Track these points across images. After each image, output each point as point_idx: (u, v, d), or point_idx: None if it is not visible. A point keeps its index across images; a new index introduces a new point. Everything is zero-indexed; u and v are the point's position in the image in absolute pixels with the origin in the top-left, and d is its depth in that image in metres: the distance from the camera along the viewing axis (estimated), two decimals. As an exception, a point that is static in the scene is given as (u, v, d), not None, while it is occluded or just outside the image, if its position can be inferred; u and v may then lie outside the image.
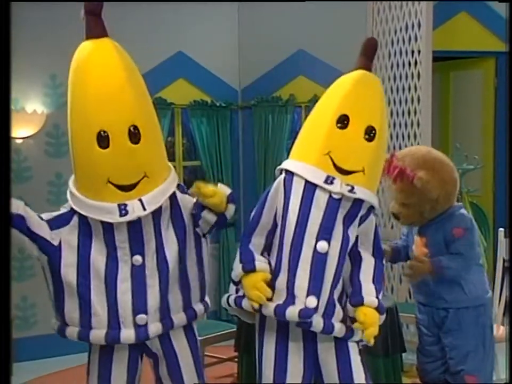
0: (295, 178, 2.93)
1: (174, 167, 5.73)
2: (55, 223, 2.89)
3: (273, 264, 2.91)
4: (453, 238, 3.57)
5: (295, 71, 6.07)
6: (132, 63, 2.85)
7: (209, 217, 3.02)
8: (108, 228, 2.85)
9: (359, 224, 2.96)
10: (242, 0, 6.08)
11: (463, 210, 3.71)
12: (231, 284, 3.04)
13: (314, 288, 2.83)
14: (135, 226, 2.86)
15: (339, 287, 2.95)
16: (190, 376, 3.06)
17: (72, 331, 2.89)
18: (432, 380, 3.83)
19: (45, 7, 5.21)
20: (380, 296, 2.94)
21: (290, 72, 6.08)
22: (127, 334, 2.86)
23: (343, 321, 2.93)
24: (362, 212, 2.93)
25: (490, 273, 4.92)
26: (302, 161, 2.95)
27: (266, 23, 6.15)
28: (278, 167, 3.06)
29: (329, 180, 2.86)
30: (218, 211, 3.01)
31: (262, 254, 2.95)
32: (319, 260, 2.83)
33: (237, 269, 2.93)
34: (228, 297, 3.04)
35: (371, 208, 2.98)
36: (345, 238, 2.89)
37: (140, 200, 2.82)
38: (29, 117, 5.32)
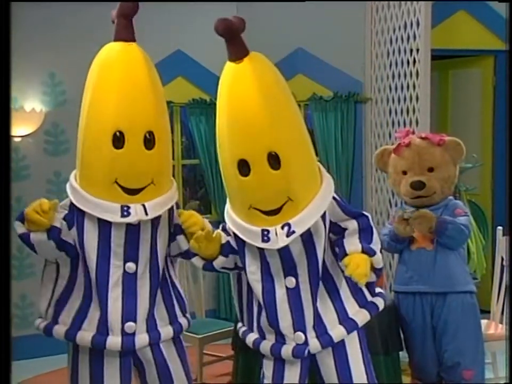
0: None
1: (173, 165, 5.75)
2: (69, 222, 2.89)
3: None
4: (455, 215, 3.70)
5: (293, 70, 6.06)
6: (155, 71, 2.89)
7: (182, 243, 3.02)
8: (105, 229, 2.84)
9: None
10: (242, 0, 6.08)
11: (459, 201, 3.91)
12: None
13: (299, 323, 2.85)
14: (133, 232, 2.87)
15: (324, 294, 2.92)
16: (182, 380, 3.09)
17: (60, 330, 2.89)
18: (429, 377, 3.84)
19: (44, 6, 5.20)
20: (373, 245, 2.85)
21: (289, 71, 6.05)
22: (114, 341, 2.85)
23: (340, 320, 2.91)
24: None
25: (488, 272, 4.93)
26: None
27: (265, 21, 6.14)
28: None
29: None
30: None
31: None
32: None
33: None
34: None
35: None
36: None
37: (143, 206, 2.83)
38: (27, 115, 5.32)
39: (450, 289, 3.71)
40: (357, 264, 2.73)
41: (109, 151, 2.77)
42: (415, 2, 5.35)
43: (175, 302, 3.08)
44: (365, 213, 2.97)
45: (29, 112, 5.34)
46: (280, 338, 2.88)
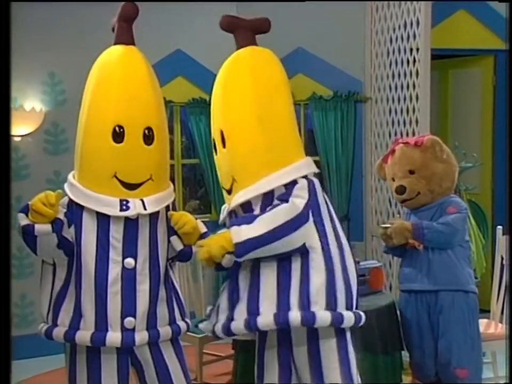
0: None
1: (173, 165, 5.72)
2: (68, 220, 2.90)
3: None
4: (444, 213, 3.70)
5: (293, 69, 6.05)
6: (154, 73, 3.00)
7: (176, 243, 3.03)
8: (104, 224, 2.86)
9: None
10: (241, 0, 6.08)
11: (461, 200, 3.89)
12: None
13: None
14: (131, 227, 2.88)
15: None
16: (182, 381, 3.08)
17: (59, 332, 2.89)
18: (427, 376, 3.86)
19: (43, 6, 5.21)
20: (255, 223, 2.66)
21: (289, 70, 6.02)
22: (114, 337, 2.84)
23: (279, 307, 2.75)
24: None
25: (488, 271, 4.93)
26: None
27: (265, 20, 6.15)
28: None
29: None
30: (187, 242, 3.02)
31: None
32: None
33: None
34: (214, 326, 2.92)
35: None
36: None
37: (142, 201, 2.87)
38: (27, 114, 5.33)
39: (441, 287, 3.72)
40: (204, 242, 2.76)
41: (108, 145, 2.82)
42: (415, 1, 5.35)
43: (175, 304, 3.09)
44: (293, 199, 2.73)
45: (29, 112, 5.34)
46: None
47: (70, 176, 2.99)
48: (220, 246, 2.70)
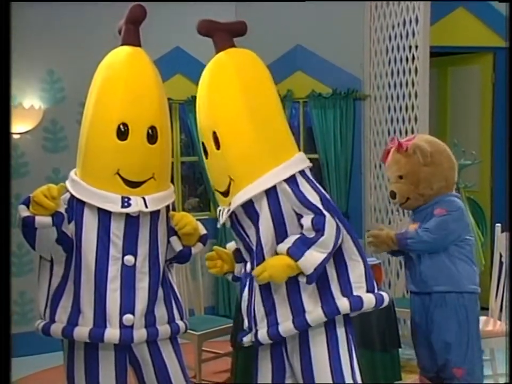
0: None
1: (172, 162, 5.75)
2: (68, 216, 2.90)
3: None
4: (433, 216, 3.67)
5: (292, 67, 6.07)
6: (159, 74, 3.04)
7: (175, 244, 3.06)
8: (105, 220, 2.87)
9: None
10: (240, 0, 6.08)
11: (455, 198, 3.80)
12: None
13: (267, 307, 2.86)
14: (132, 224, 2.90)
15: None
16: (180, 380, 3.09)
17: (57, 328, 2.89)
18: (429, 374, 3.86)
19: (42, 4, 5.20)
20: (313, 249, 2.73)
21: (288, 68, 6.08)
22: (112, 334, 2.85)
23: (293, 315, 2.83)
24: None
25: (487, 268, 4.94)
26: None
27: (263, 18, 6.14)
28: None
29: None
30: (187, 243, 3.06)
31: None
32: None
33: None
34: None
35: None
36: None
37: (143, 198, 2.89)
38: (26, 112, 5.32)
39: (432, 289, 3.70)
40: (264, 267, 2.74)
41: (112, 142, 2.84)
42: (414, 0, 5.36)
43: (173, 304, 3.10)
44: (324, 211, 2.79)
45: (28, 109, 5.34)
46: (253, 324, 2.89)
47: (72, 173, 3.00)
48: (286, 275, 2.77)
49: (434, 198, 3.73)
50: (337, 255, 2.86)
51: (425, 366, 3.89)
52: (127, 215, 2.88)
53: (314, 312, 2.81)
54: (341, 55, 5.94)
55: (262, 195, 2.80)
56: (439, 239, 3.65)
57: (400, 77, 5.60)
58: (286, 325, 2.82)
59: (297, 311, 2.82)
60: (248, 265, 2.92)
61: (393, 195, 3.82)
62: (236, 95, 2.84)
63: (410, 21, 5.40)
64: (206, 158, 2.94)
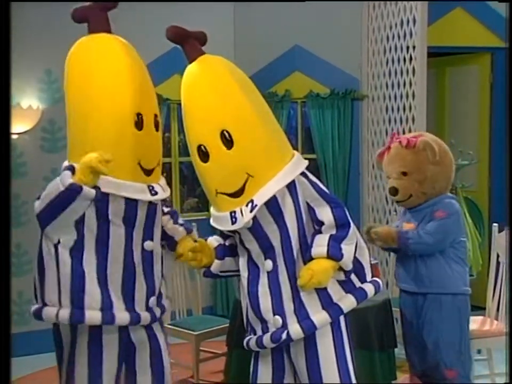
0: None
1: (170, 163, 5.72)
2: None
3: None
4: (433, 218, 3.68)
5: (290, 67, 6.08)
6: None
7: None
8: (131, 210, 2.89)
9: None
10: (239, 0, 6.08)
11: (453, 200, 3.82)
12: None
13: (277, 307, 2.86)
14: (151, 211, 2.98)
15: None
16: (168, 366, 3.14)
17: (94, 315, 2.85)
18: (420, 373, 3.88)
19: (40, 4, 5.20)
20: (344, 243, 2.81)
21: (286, 68, 6.09)
22: (144, 316, 2.94)
23: (323, 305, 2.86)
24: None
25: (485, 268, 4.95)
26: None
27: (262, 18, 6.15)
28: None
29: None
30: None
31: None
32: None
33: None
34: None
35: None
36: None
37: (160, 185, 3.00)
38: (24, 112, 5.32)
39: (428, 290, 3.73)
40: (310, 274, 2.75)
41: (132, 132, 2.87)
42: (411, 0, 5.36)
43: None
44: (339, 201, 2.89)
45: (26, 109, 5.34)
46: (265, 328, 2.89)
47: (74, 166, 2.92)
48: (330, 277, 2.83)
49: (434, 198, 3.74)
50: None
51: (414, 364, 3.91)
52: (149, 202, 2.94)
53: (343, 300, 2.88)
54: (339, 55, 5.95)
55: (284, 189, 2.82)
56: (439, 242, 3.66)
57: (398, 77, 5.61)
58: (318, 317, 2.83)
59: (327, 302, 2.86)
60: (269, 262, 2.86)
61: (394, 192, 3.80)
62: (240, 93, 2.85)
63: (408, 21, 5.42)
64: (205, 161, 2.86)
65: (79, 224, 2.86)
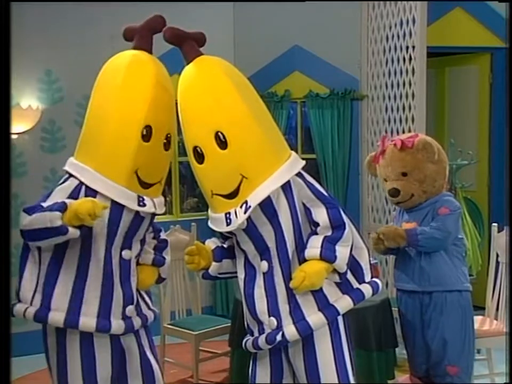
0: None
1: (170, 162, 5.75)
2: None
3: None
4: (437, 215, 3.71)
5: (290, 67, 6.08)
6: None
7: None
8: (116, 214, 2.92)
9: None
10: (239, 0, 6.09)
11: (452, 198, 3.88)
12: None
13: (272, 308, 2.86)
14: (136, 222, 2.98)
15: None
16: (158, 369, 3.17)
17: (57, 316, 2.89)
18: (419, 372, 3.88)
19: (40, 4, 5.21)
20: (339, 245, 2.79)
21: (286, 68, 6.09)
22: (118, 325, 2.95)
23: (319, 306, 2.86)
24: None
25: (484, 268, 4.95)
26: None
27: (261, 18, 6.16)
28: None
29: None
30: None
31: None
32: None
33: None
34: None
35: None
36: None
37: (152, 200, 3.00)
38: (24, 112, 5.33)
39: (435, 288, 3.74)
40: (303, 276, 2.75)
41: (137, 141, 2.89)
42: (411, 0, 5.36)
43: (144, 293, 3.21)
44: (335, 202, 2.89)
45: (26, 109, 5.35)
46: (261, 329, 2.90)
47: (77, 161, 2.98)
48: (324, 279, 2.82)
49: (433, 197, 3.77)
50: None
51: (416, 365, 3.91)
52: (137, 213, 2.95)
53: (339, 301, 2.86)
54: (339, 55, 5.95)
55: (279, 190, 2.82)
56: (445, 238, 3.70)
57: (398, 77, 5.61)
58: (314, 318, 2.83)
59: (323, 304, 2.85)
60: (265, 264, 2.86)
61: (396, 193, 3.81)
62: (235, 94, 2.85)
63: (408, 21, 5.42)
64: (201, 162, 2.87)
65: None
